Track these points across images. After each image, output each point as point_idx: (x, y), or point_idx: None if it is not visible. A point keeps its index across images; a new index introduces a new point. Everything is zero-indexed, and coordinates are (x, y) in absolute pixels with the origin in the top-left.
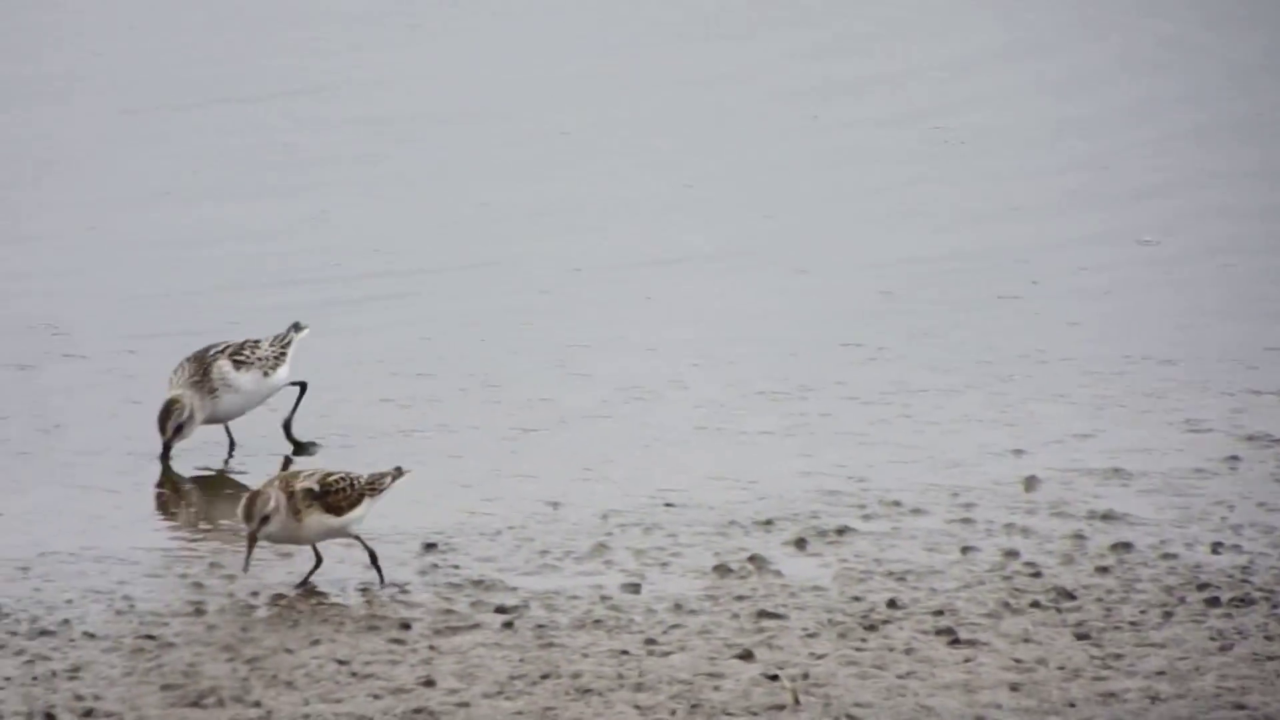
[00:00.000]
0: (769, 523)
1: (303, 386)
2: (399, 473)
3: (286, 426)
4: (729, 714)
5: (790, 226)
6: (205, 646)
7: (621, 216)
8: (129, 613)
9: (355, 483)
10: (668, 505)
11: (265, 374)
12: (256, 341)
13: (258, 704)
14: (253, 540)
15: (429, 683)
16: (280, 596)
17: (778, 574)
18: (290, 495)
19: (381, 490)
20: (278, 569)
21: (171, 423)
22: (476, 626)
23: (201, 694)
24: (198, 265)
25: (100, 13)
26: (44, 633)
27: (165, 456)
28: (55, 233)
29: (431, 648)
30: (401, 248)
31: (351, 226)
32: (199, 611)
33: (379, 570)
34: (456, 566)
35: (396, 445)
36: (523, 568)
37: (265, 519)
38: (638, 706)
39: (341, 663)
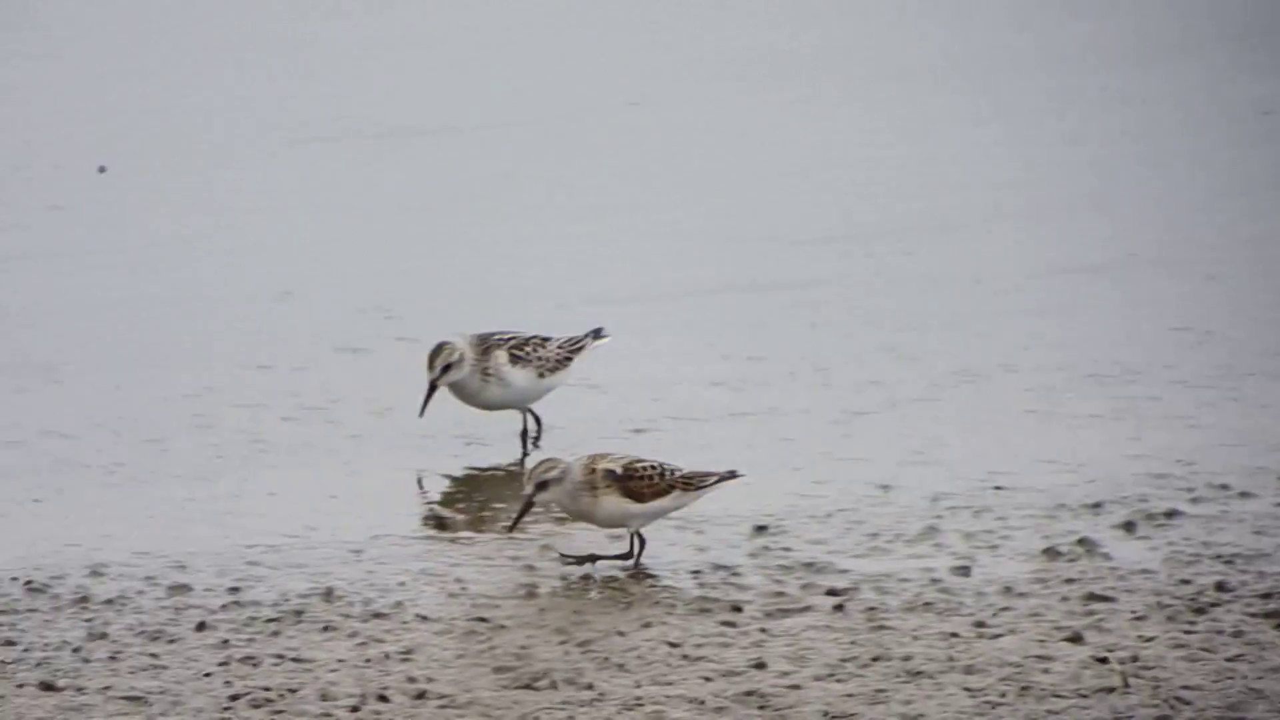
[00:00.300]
0: (1097, 506)
1: (537, 421)
2: (731, 475)
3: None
4: (1058, 696)
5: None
6: (537, 629)
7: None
8: (461, 595)
9: (667, 474)
10: (997, 488)
11: (540, 375)
12: (545, 340)
13: (590, 686)
14: (527, 505)
15: (760, 665)
16: (612, 579)
17: (1106, 557)
18: (591, 473)
19: (701, 488)
20: (607, 550)
21: (440, 361)
22: (807, 609)
23: (534, 676)
24: (529, 261)
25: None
26: (377, 615)
27: (428, 397)
28: (390, 221)
29: (762, 630)
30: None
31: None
32: (531, 594)
33: (636, 559)
34: (787, 549)
35: (727, 429)
36: (853, 550)
37: (544, 483)
38: (968, 689)
39: (673, 645)
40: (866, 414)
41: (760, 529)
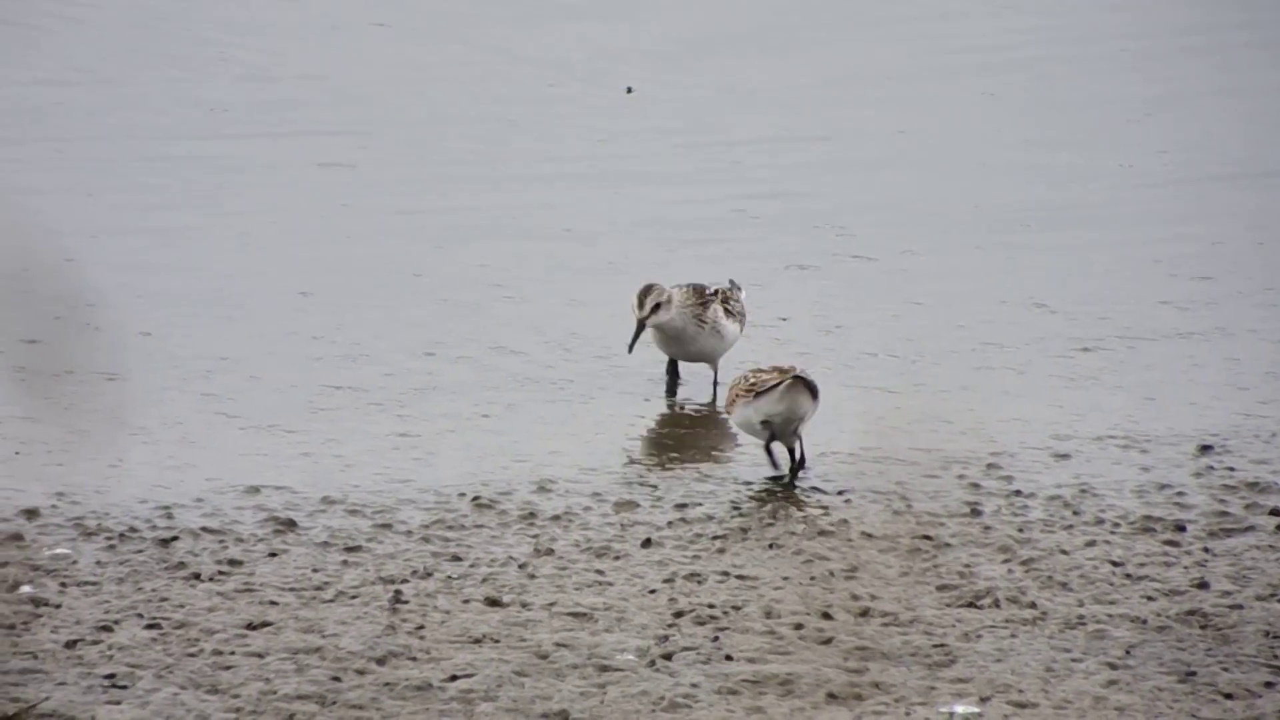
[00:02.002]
0: None
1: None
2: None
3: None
4: None
5: None
6: (981, 547)
7: None
8: (906, 513)
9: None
10: None
11: (741, 329)
12: (739, 293)
13: (1033, 605)
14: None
15: (1202, 585)
16: (1056, 498)
17: None
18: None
19: (763, 393)
20: (1056, 471)
21: (650, 300)
22: (1250, 529)
23: (977, 595)
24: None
25: None
26: (822, 533)
27: (635, 336)
28: (849, 138)
29: (1205, 550)
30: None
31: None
32: (975, 512)
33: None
34: (1231, 469)
35: (1175, 347)
36: None
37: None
38: None
39: (1115, 564)
40: None
41: (1205, 448)
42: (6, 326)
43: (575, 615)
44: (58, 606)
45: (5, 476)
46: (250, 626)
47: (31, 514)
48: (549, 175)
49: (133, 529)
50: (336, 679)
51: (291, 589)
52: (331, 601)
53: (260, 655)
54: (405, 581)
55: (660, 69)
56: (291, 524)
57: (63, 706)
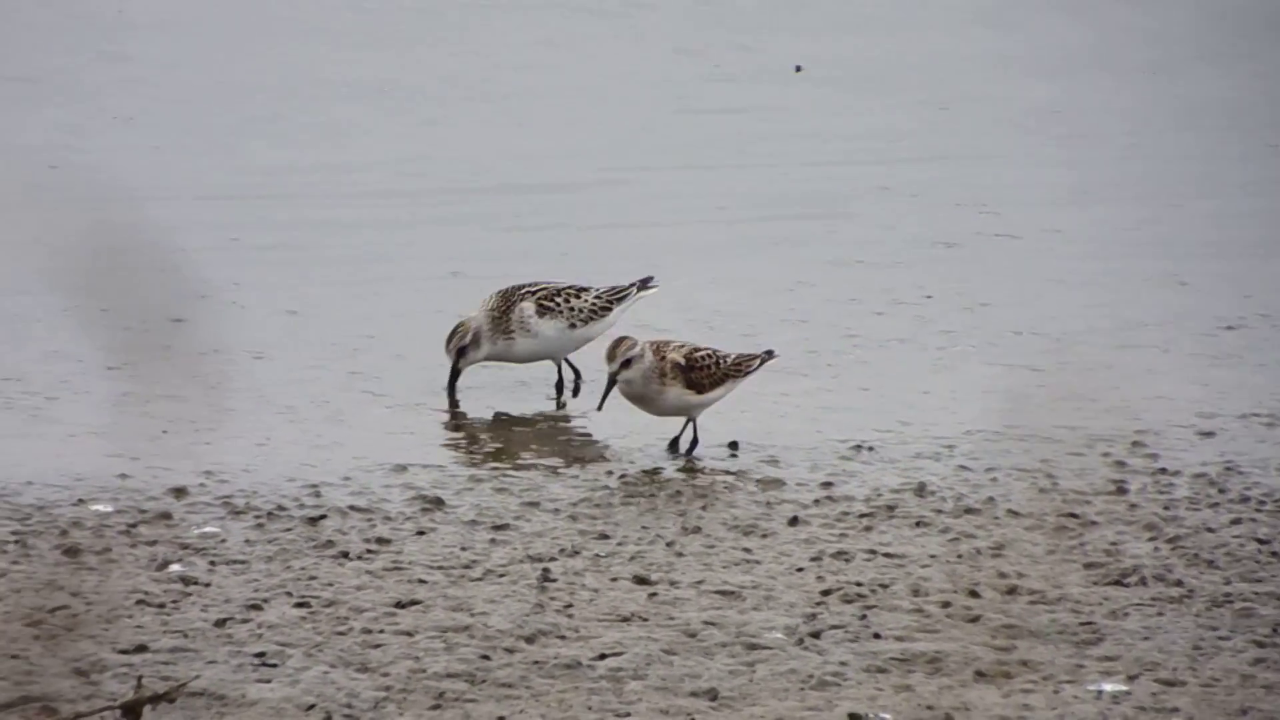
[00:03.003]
0: None
1: (575, 373)
2: (769, 356)
3: (558, 385)
4: None
5: None
6: (1127, 525)
7: None
8: (1051, 491)
9: (721, 362)
10: None
11: (572, 325)
12: (580, 290)
13: (1179, 583)
14: (612, 382)
15: None
16: (1200, 476)
17: None
18: (661, 359)
19: (747, 373)
20: (1201, 449)
21: (454, 344)
22: None
23: (1123, 573)
24: None
25: None
26: (968, 510)
27: (451, 381)
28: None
29: None
30: None
31: None
32: (1120, 490)
33: (689, 453)
34: None
35: None
36: None
37: (627, 363)
38: None
39: (1262, 542)
40: None
41: None
42: (153, 306)
43: (723, 593)
44: (207, 585)
45: (153, 455)
46: (399, 605)
47: (180, 493)
48: (702, 147)
49: (281, 507)
50: (485, 657)
51: (440, 567)
52: (480, 580)
53: (409, 634)
54: (553, 560)
55: (829, 47)
56: (439, 502)
57: (213, 685)
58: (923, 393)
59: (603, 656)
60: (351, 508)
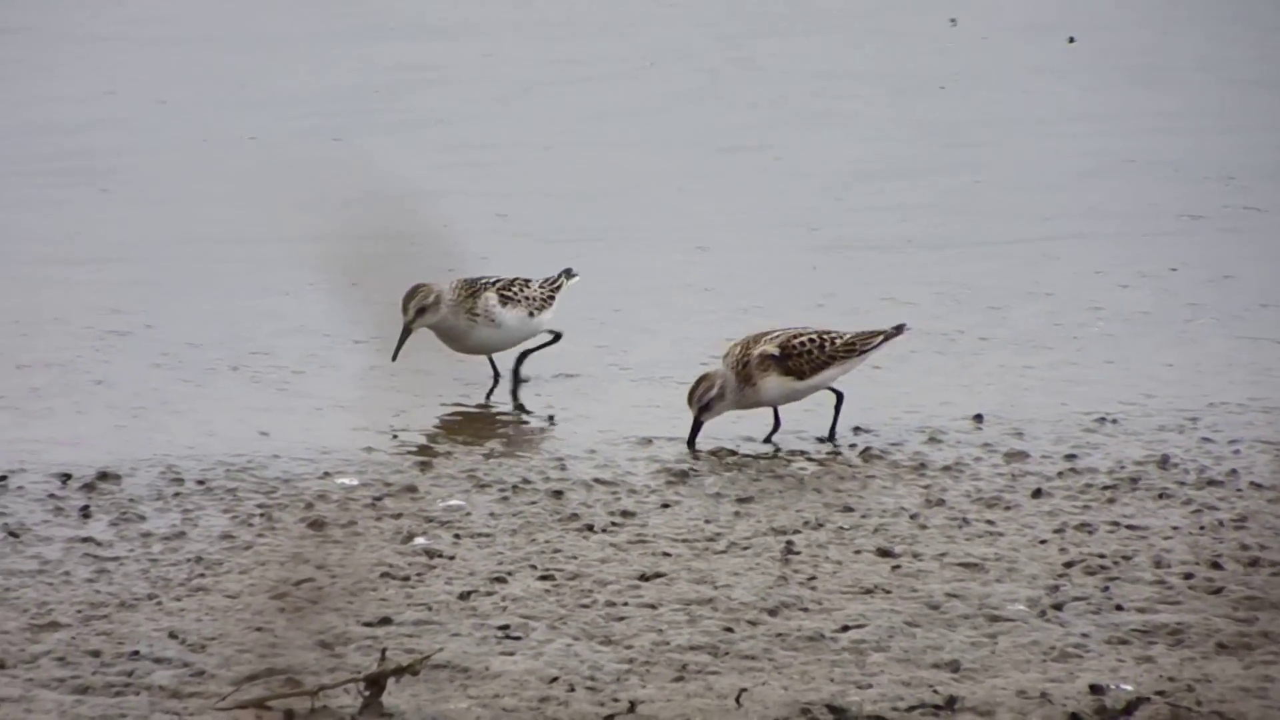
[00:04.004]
0: None
1: (556, 336)
2: (897, 331)
3: (517, 363)
4: None
5: None
6: None
7: None
8: None
9: (827, 345)
10: None
11: (530, 314)
12: (527, 281)
13: None
14: (697, 424)
15: None
16: None
17: None
18: (744, 366)
19: (865, 351)
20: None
21: (415, 303)
22: None
23: None
24: None
25: None
26: (1211, 482)
27: (401, 341)
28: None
29: None
30: None
31: None
32: None
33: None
34: None
35: None
36: None
37: (706, 405)
38: None
39: None
40: None
41: None
42: (401, 280)
43: (966, 565)
44: (451, 558)
45: (400, 429)
46: (643, 578)
47: (425, 466)
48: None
49: (526, 480)
50: (729, 629)
51: (684, 540)
52: (724, 552)
53: (653, 606)
54: (797, 532)
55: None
56: (684, 475)
57: (457, 657)
58: (1166, 365)
59: (845, 628)
60: (596, 480)
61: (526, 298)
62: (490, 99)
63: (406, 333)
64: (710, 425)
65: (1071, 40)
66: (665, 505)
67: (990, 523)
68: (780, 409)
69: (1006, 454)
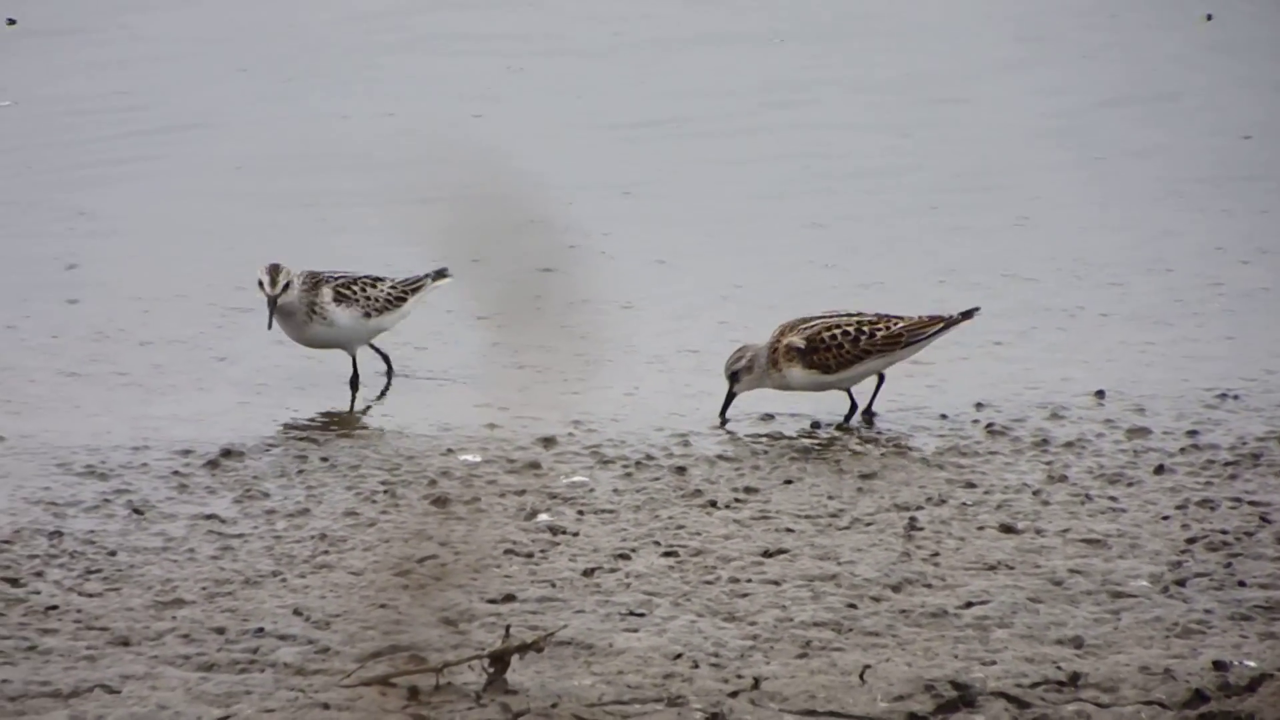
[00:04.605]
0: None
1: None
2: (965, 316)
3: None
4: None
5: None
6: None
7: None
8: None
9: (862, 339)
10: None
11: (367, 315)
12: (377, 280)
13: None
14: (730, 395)
15: None
16: None
17: None
18: (774, 351)
19: (914, 343)
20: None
21: (282, 278)
22: None
23: None
24: None
25: None
26: None
27: (270, 314)
28: None
29: None
30: None
31: None
32: None
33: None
34: None
35: None
36: None
37: (734, 376)
38: None
39: None
40: None
41: None
42: (523, 256)
43: (1088, 542)
44: (575, 534)
45: (523, 405)
46: (766, 554)
47: (549, 442)
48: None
49: (649, 456)
50: (852, 606)
51: (807, 516)
52: (847, 529)
53: (776, 583)
54: (920, 508)
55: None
56: (806, 451)
57: (581, 634)
58: None
59: (969, 605)
60: (720, 457)
61: (366, 298)
62: (621, 74)
63: (273, 303)
64: (824, 400)
65: (1209, 17)
66: (788, 481)
67: (1113, 499)
68: (853, 391)
69: (1128, 430)
